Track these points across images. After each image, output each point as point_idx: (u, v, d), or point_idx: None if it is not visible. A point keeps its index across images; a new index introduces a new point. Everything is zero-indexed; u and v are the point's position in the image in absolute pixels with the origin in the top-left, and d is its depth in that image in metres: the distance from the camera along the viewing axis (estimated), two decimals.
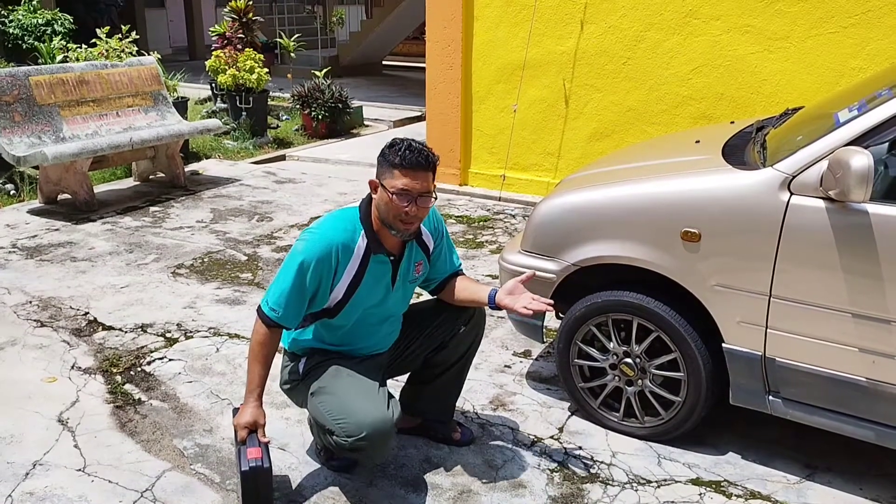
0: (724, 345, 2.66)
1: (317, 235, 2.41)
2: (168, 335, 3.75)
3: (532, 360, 3.56)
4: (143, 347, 3.63)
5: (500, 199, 6.11)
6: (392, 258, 2.49)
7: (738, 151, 2.88)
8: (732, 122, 3.56)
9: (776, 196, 2.47)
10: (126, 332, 3.79)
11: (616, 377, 2.94)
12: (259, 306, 2.47)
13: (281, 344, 2.58)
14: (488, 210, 5.88)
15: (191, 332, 3.79)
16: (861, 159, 2.20)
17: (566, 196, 3.04)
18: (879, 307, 2.35)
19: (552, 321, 3.34)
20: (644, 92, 5.54)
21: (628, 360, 2.88)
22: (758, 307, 2.56)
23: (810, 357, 2.51)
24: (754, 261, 2.53)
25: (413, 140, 2.38)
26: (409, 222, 2.37)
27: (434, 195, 2.38)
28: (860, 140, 2.35)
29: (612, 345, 2.91)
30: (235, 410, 2.54)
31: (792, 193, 2.45)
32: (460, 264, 2.77)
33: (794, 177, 2.45)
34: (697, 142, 3.23)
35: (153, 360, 3.50)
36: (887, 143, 2.36)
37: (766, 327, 2.56)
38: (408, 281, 2.58)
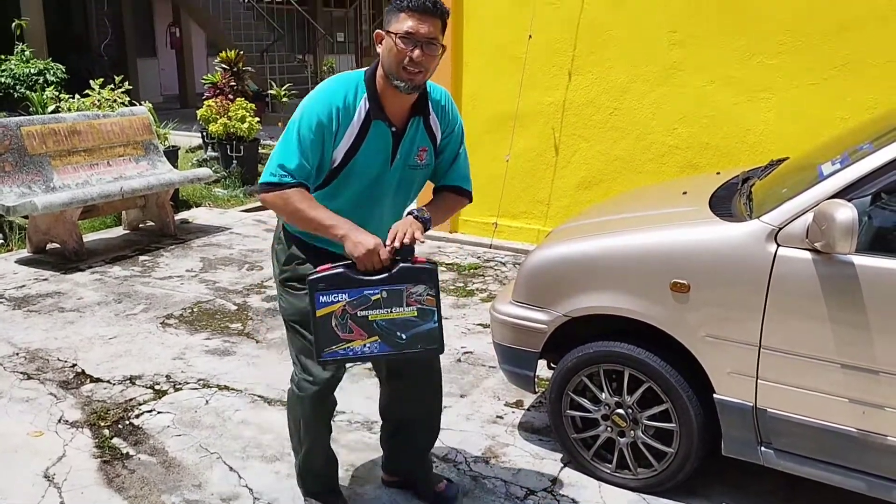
0: (715, 395, 2.67)
1: (316, 98, 2.31)
2: (157, 387, 3.72)
3: (524, 410, 3.55)
4: (131, 400, 3.59)
5: (490, 246, 6.14)
6: (394, 129, 2.34)
7: (725, 203, 2.92)
8: (718, 173, 3.61)
9: (763, 248, 2.50)
10: (114, 384, 3.76)
11: (608, 428, 2.93)
12: (260, 185, 2.32)
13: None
14: (478, 257, 5.91)
15: (180, 383, 3.76)
16: (845, 212, 2.24)
17: (557, 247, 3.07)
18: (868, 358, 2.37)
19: (544, 371, 3.34)
20: (631, 141, 5.62)
21: (620, 410, 2.88)
22: (748, 358, 2.57)
23: (801, 408, 2.51)
24: (743, 312, 2.55)
25: None
26: (414, 71, 2.22)
27: (442, 46, 2.26)
28: (844, 193, 2.39)
29: (603, 395, 2.91)
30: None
31: (779, 245, 2.49)
32: (468, 188, 2.59)
33: (780, 228, 2.48)
34: (685, 193, 3.27)
35: (141, 413, 3.47)
36: (870, 196, 2.40)
37: (757, 378, 2.57)
38: (408, 165, 2.42)
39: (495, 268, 5.67)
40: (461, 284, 5.26)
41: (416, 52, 2.19)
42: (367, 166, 2.33)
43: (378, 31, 2.29)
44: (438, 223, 2.48)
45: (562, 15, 5.68)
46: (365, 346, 2.22)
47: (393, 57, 2.22)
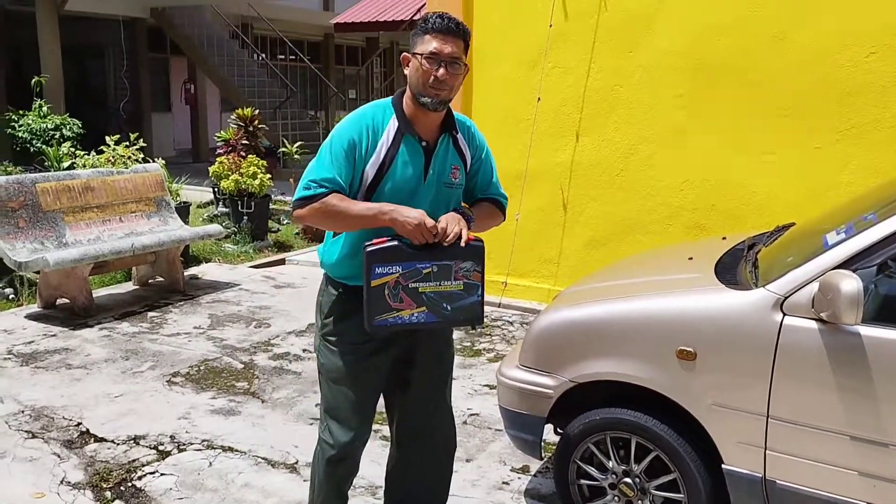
0: (723, 466, 2.63)
1: (345, 120, 2.42)
2: (161, 447, 3.70)
3: (530, 476, 3.50)
4: (134, 461, 3.57)
5: (500, 305, 6.14)
6: (424, 144, 2.42)
7: (731, 269, 2.93)
8: (724, 238, 3.63)
9: (769, 316, 2.50)
10: (118, 444, 3.74)
11: (616, 497, 2.88)
12: (293, 202, 2.39)
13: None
14: (486, 316, 5.89)
15: (184, 444, 3.74)
16: (850, 283, 2.24)
17: (563, 311, 3.07)
18: (877, 430, 2.35)
19: (550, 435, 3.31)
20: (638, 202, 5.66)
21: (628, 479, 2.84)
22: (756, 428, 2.55)
23: (811, 480, 2.48)
24: (750, 381, 2.54)
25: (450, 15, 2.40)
26: (439, 88, 2.32)
27: (465, 65, 2.36)
28: (849, 263, 2.40)
29: (610, 463, 2.87)
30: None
31: (785, 314, 2.49)
32: (503, 197, 2.66)
33: (786, 297, 2.48)
34: (690, 258, 3.28)
35: (144, 475, 3.44)
36: (876, 266, 2.41)
37: (766, 448, 2.54)
38: (443, 182, 2.46)
39: (503, 327, 5.66)
40: (468, 344, 5.25)
41: (441, 70, 2.29)
42: (402, 181, 2.39)
43: (405, 54, 2.39)
44: (479, 229, 2.53)
45: (569, 79, 5.78)
46: (413, 315, 2.34)
47: (419, 76, 2.32)
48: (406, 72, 2.38)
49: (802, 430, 2.47)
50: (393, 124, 2.39)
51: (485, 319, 2.47)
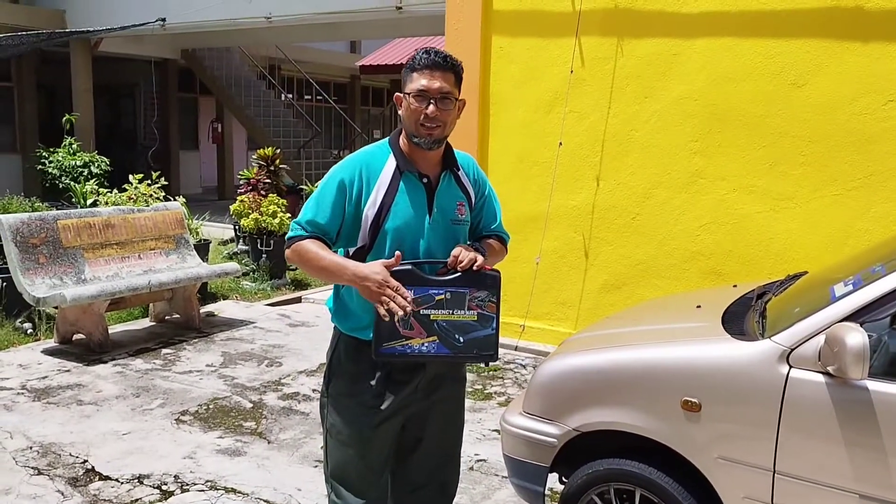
0: None
1: (340, 164, 2.37)
2: (164, 487, 3.68)
3: None
4: (137, 500, 3.55)
5: (516, 348, 6.09)
6: (425, 181, 2.34)
7: (738, 319, 2.88)
8: (735, 286, 3.58)
9: (775, 369, 2.45)
10: (122, 482, 3.73)
11: None
12: (287, 239, 2.34)
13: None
14: (500, 359, 5.83)
15: (187, 484, 3.72)
16: (856, 337, 2.19)
17: (567, 358, 3.04)
18: (885, 488, 2.27)
19: (556, 484, 3.24)
20: (653, 246, 5.62)
21: None
22: (762, 483, 2.48)
23: None
24: (756, 434, 2.48)
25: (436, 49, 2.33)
26: (431, 126, 2.24)
27: (457, 99, 2.28)
28: (856, 316, 2.35)
29: None
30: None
31: (791, 366, 2.43)
32: (507, 235, 2.61)
33: (792, 350, 2.43)
34: (698, 306, 3.24)
35: None
36: (883, 319, 2.35)
37: None
38: (450, 220, 2.37)
39: (515, 370, 5.61)
40: (479, 387, 5.20)
41: (431, 107, 2.22)
42: (405, 220, 2.31)
43: (397, 94, 2.33)
44: (487, 265, 2.43)
45: (584, 123, 5.80)
46: (423, 344, 2.23)
47: (410, 115, 2.26)
48: (400, 113, 2.33)
49: (810, 486, 2.39)
50: (391, 163, 2.33)
51: (498, 358, 2.34)
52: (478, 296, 2.24)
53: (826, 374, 2.36)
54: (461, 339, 2.24)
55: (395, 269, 2.18)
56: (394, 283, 2.15)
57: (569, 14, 5.77)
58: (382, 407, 2.35)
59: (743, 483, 2.51)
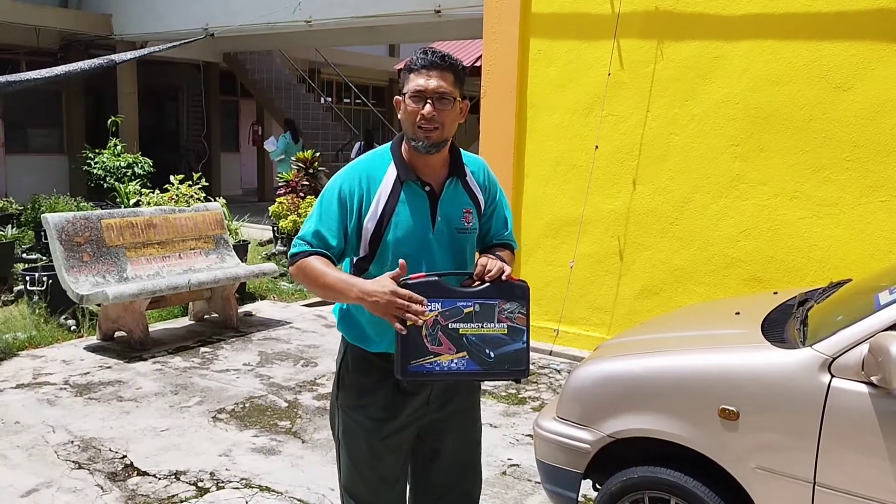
0: None
1: (339, 173, 2.28)
2: (200, 484, 3.73)
3: None
4: (173, 496, 3.61)
5: (550, 353, 6.05)
6: (427, 189, 2.23)
7: (779, 327, 2.82)
8: (776, 293, 3.51)
9: (816, 378, 2.39)
10: (159, 478, 3.79)
11: None
12: (290, 256, 2.24)
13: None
14: (533, 363, 5.82)
15: (223, 482, 3.76)
16: None
17: (602, 363, 3.00)
18: None
19: (589, 491, 3.21)
20: (692, 252, 5.54)
21: None
22: (802, 494, 2.42)
23: None
24: (796, 444, 2.42)
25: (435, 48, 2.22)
26: (429, 128, 2.14)
27: (456, 99, 2.17)
28: None
29: None
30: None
31: (833, 376, 2.38)
32: (515, 243, 2.51)
33: (834, 359, 2.38)
34: (737, 313, 3.18)
35: None
36: None
37: None
38: (455, 229, 2.27)
39: (550, 375, 5.57)
40: (513, 391, 5.17)
41: (427, 107, 2.13)
42: (407, 232, 2.21)
43: (397, 97, 2.24)
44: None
45: (623, 127, 5.75)
46: (452, 361, 2.10)
47: (407, 117, 2.18)
48: (399, 116, 2.23)
49: (851, 499, 2.33)
50: (391, 172, 2.23)
51: (530, 374, 2.23)
52: (507, 307, 2.14)
53: (869, 384, 2.30)
54: (492, 355, 2.13)
55: (419, 281, 2.09)
56: (404, 292, 2.04)
57: (608, 16, 5.72)
58: (392, 419, 2.27)
59: (782, 494, 2.46)
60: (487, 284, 2.14)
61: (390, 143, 2.31)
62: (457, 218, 2.28)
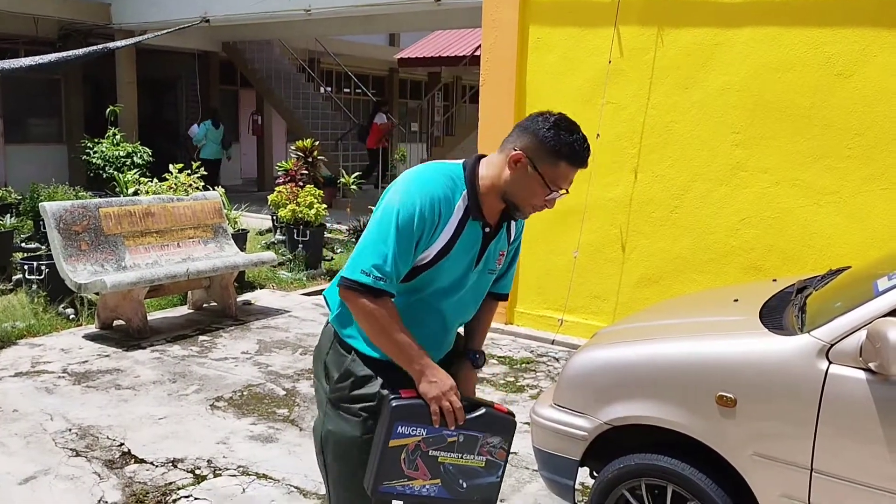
0: None
1: (415, 186, 2.03)
2: (197, 471, 3.73)
3: None
4: (171, 483, 3.60)
5: (553, 342, 6.03)
6: (487, 231, 2.14)
7: (777, 314, 2.81)
8: (775, 280, 3.49)
9: (814, 364, 2.38)
10: (157, 466, 3.78)
11: None
12: (347, 279, 2.01)
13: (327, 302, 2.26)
14: (531, 351, 5.81)
15: (220, 469, 3.76)
16: None
17: (598, 351, 2.99)
18: None
19: (587, 478, 3.20)
20: (692, 240, 5.52)
21: None
22: (799, 481, 2.41)
23: None
24: (793, 431, 2.41)
25: (580, 127, 2.07)
26: (539, 209, 2.10)
27: (567, 189, 2.09)
28: None
29: None
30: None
31: (830, 362, 2.36)
32: (509, 291, 2.47)
33: (832, 345, 2.36)
34: (736, 300, 3.17)
35: (179, 499, 3.46)
36: None
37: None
38: (488, 269, 2.23)
39: (548, 363, 5.56)
40: (511, 379, 5.17)
41: (553, 201, 2.07)
42: (455, 267, 2.12)
43: (520, 153, 2.03)
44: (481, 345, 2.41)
45: (623, 115, 5.72)
46: (425, 487, 2.07)
47: (527, 190, 2.05)
48: (508, 170, 2.05)
49: (849, 486, 2.32)
50: (462, 203, 2.07)
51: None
52: (490, 441, 2.11)
53: (867, 370, 2.29)
54: (465, 485, 2.11)
55: (410, 401, 2.03)
56: (457, 401, 2.03)
57: (608, 3, 5.69)
58: (371, 419, 2.13)
59: (779, 481, 2.45)
60: (478, 414, 2.09)
61: (459, 165, 2.13)
62: (493, 259, 2.22)
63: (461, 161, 2.16)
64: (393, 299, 2.05)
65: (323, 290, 2.38)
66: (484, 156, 2.16)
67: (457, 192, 2.07)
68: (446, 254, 2.07)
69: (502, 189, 2.07)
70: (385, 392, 2.08)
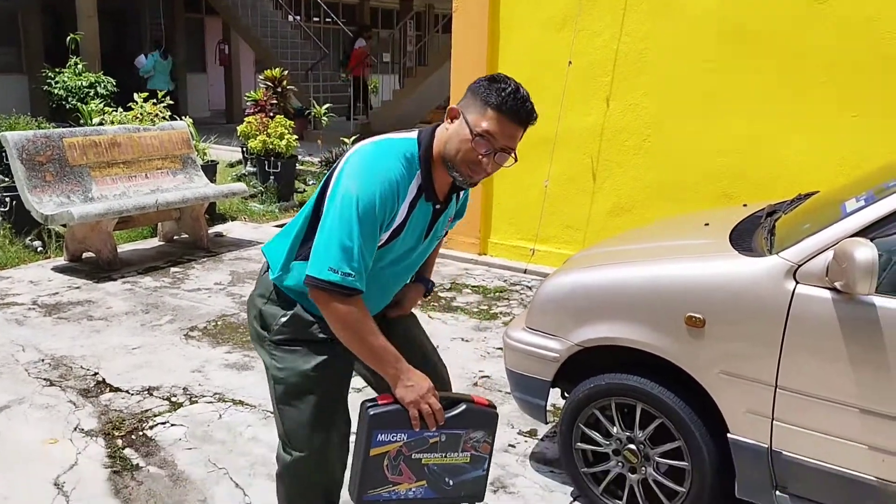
0: (729, 435, 2.58)
1: (372, 171, 1.95)
2: (173, 399, 3.75)
3: (537, 440, 3.49)
4: (147, 411, 3.62)
5: (525, 271, 6.09)
6: (437, 207, 2.10)
7: (746, 237, 2.85)
8: (745, 205, 3.53)
9: (781, 285, 2.42)
10: (132, 394, 3.80)
11: (619, 463, 2.85)
12: (315, 279, 1.92)
13: (265, 259, 2.21)
14: (505, 281, 5.86)
15: (196, 396, 3.78)
16: (865, 252, 2.16)
17: (571, 274, 3.02)
18: (888, 403, 2.27)
19: (558, 399, 3.28)
20: (665, 169, 5.54)
21: (632, 446, 2.80)
22: (763, 397, 2.49)
23: (818, 452, 2.42)
24: (759, 350, 2.47)
25: (521, 85, 1.98)
26: (477, 173, 1.98)
27: (514, 157, 1.98)
28: (866, 231, 2.31)
29: (615, 429, 2.84)
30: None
31: (798, 282, 2.41)
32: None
33: (799, 266, 2.40)
34: (706, 224, 3.20)
35: (155, 425, 3.49)
36: (894, 236, 2.31)
37: (773, 419, 2.48)
38: (437, 236, 2.21)
39: (521, 292, 5.62)
40: (485, 307, 5.22)
41: (489, 159, 1.95)
42: (404, 243, 2.09)
43: (454, 107, 2.00)
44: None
45: (597, 42, 5.65)
46: (410, 490, 2.05)
47: (460, 147, 1.96)
48: (447, 126, 2.01)
49: (811, 401, 2.40)
50: (415, 184, 2.02)
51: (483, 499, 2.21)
52: (474, 436, 2.08)
53: (833, 289, 2.34)
54: (451, 483, 2.08)
55: (387, 408, 1.98)
56: (436, 402, 1.99)
57: None
58: (334, 341, 2.06)
59: (744, 398, 2.52)
60: (459, 411, 2.05)
61: (414, 141, 2.04)
62: (442, 227, 2.21)
63: (415, 135, 2.08)
64: None
65: None
66: (439, 124, 2.07)
67: (412, 176, 2.01)
68: (398, 234, 2.04)
69: (443, 153, 2.01)
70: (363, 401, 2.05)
